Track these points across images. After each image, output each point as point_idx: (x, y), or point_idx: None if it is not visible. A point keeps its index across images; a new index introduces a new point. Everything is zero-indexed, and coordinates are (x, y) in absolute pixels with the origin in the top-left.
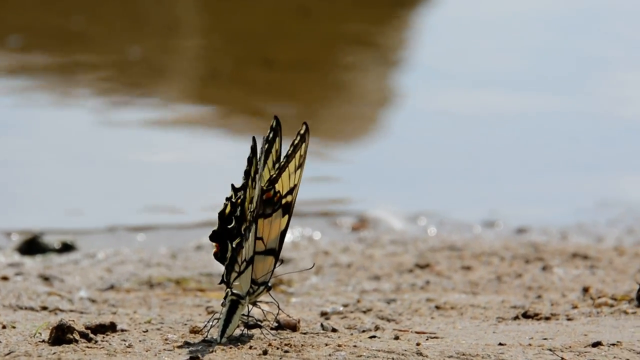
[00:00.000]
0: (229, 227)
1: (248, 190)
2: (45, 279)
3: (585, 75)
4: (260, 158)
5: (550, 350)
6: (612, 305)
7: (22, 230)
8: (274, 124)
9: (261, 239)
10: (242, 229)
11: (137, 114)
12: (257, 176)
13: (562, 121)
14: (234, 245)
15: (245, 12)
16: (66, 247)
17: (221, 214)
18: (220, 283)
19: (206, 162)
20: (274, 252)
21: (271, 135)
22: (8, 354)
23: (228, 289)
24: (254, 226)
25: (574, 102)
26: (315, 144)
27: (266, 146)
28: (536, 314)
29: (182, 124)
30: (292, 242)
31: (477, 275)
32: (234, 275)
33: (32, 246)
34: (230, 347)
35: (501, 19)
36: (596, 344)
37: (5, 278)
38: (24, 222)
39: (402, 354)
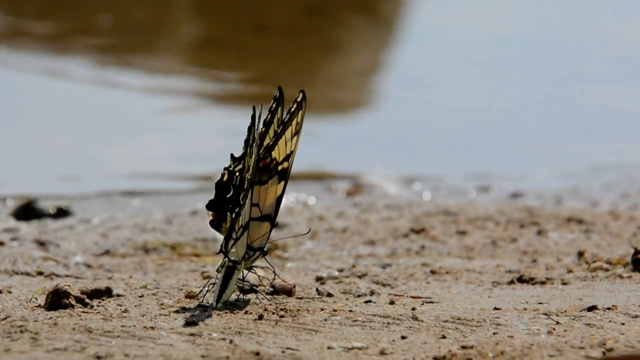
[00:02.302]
0: (227, 196)
1: (247, 159)
2: (41, 244)
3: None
4: (257, 127)
5: (545, 314)
6: (607, 270)
7: (18, 196)
8: (277, 94)
9: (257, 205)
10: (241, 197)
11: (131, 80)
12: (255, 144)
13: (554, 83)
14: (233, 216)
15: None
16: (61, 212)
17: (218, 183)
18: (218, 252)
19: (199, 130)
20: (270, 218)
21: (274, 105)
22: (4, 318)
23: (225, 257)
24: (250, 193)
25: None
26: (307, 111)
27: (269, 117)
28: (531, 279)
29: (175, 90)
30: (287, 207)
31: (472, 239)
32: (231, 242)
33: (27, 211)
34: (226, 312)
35: None
36: (591, 308)
37: (1, 243)
38: (19, 187)
39: (398, 319)
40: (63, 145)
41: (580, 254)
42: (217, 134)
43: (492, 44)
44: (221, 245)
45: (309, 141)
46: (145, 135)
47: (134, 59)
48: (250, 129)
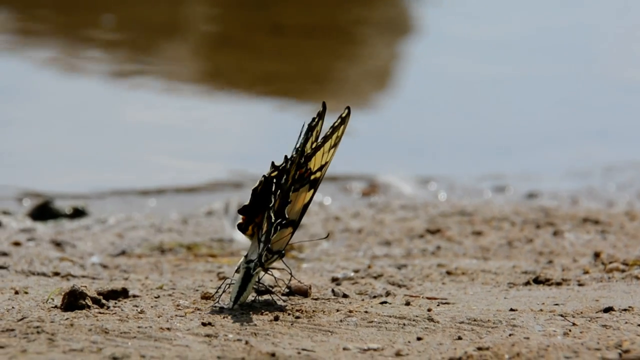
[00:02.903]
0: (269, 203)
1: (293, 167)
2: (57, 244)
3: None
4: (311, 136)
5: (561, 315)
6: (623, 271)
7: (34, 195)
8: (321, 110)
9: None
10: (276, 205)
11: (147, 80)
12: (294, 155)
13: (567, 86)
14: (273, 223)
15: None
16: (77, 213)
17: (255, 190)
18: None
19: (217, 128)
20: (294, 223)
21: (317, 120)
22: (21, 319)
23: (243, 258)
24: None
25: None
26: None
27: (309, 133)
28: (547, 279)
29: (191, 89)
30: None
31: (488, 240)
32: (261, 246)
33: (43, 211)
34: (242, 313)
35: None
36: (608, 310)
37: (17, 243)
38: (35, 187)
39: (414, 320)
40: (79, 144)
41: (597, 255)
42: (229, 131)
43: (504, 45)
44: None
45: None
46: (159, 133)
47: (149, 57)
48: (307, 136)
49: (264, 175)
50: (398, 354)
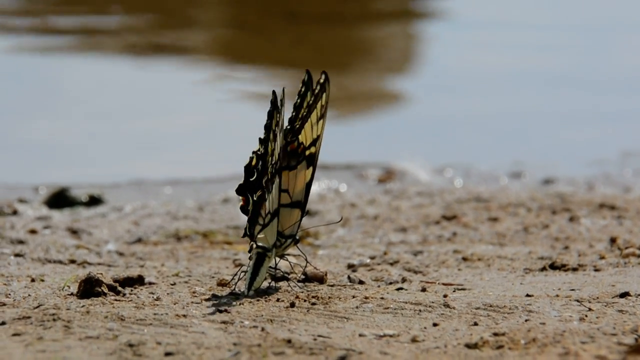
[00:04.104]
0: (251, 179)
1: (269, 143)
2: (74, 232)
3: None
4: (281, 111)
5: (577, 301)
6: (639, 256)
7: (50, 184)
8: (306, 77)
9: (287, 191)
10: (263, 181)
11: (164, 67)
12: (278, 129)
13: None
14: (255, 199)
15: None
16: (94, 200)
17: (247, 167)
18: (243, 236)
19: (231, 116)
20: (300, 205)
21: (303, 89)
22: (37, 307)
23: (252, 242)
24: (277, 179)
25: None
26: (340, 98)
27: (298, 101)
28: (563, 265)
29: (207, 78)
30: (319, 195)
31: (504, 226)
32: (258, 228)
33: (60, 199)
34: (258, 300)
35: None
36: (624, 295)
37: (33, 231)
38: (51, 175)
39: (430, 306)
40: (95, 133)
41: (613, 241)
42: (245, 120)
43: (523, 31)
44: (245, 229)
45: (341, 130)
46: (176, 122)
47: (165, 45)
48: (271, 113)
49: (253, 151)
50: (414, 340)
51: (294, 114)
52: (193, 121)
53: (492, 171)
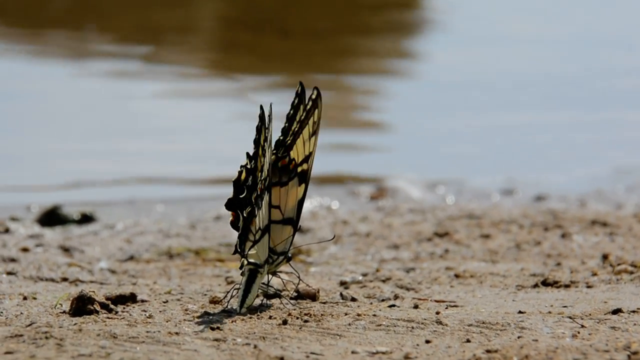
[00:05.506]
0: (241, 196)
1: (258, 159)
2: (65, 250)
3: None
4: (269, 126)
5: (570, 317)
6: (632, 272)
7: (42, 202)
8: (299, 89)
9: (278, 207)
10: (253, 197)
11: (154, 84)
12: (267, 144)
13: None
14: (244, 215)
15: None
16: (86, 218)
17: (236, 182)
18: (234, 253)
19: (224, 131)
20: (292, 222)
21: (296, 101)
22: (30, 325)
23: (243, 259)
24: (266, 195)
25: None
26: (331, 114)
27: (291, 112)
28: (556, 282)
29: (199, 93)
30: (311, 212)
31: (496, 243)
32: (248, 244)
33: (51, 217)
34: (250, 317)
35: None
36: (616, 311)
37: (25, 249)
38: (42, 192)
39: (422, 323)
40: (85, 149)
41: (605, 257)
42: (236, 135)
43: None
44: (235, 246)
45: (332, 145)
46: (167, 138)
47: (155, 61)
48: (259, 128)
49: (241, 166)
50: (407, 357)
51: (286, 124)
52: (185, 139)
53: (484, 188)
